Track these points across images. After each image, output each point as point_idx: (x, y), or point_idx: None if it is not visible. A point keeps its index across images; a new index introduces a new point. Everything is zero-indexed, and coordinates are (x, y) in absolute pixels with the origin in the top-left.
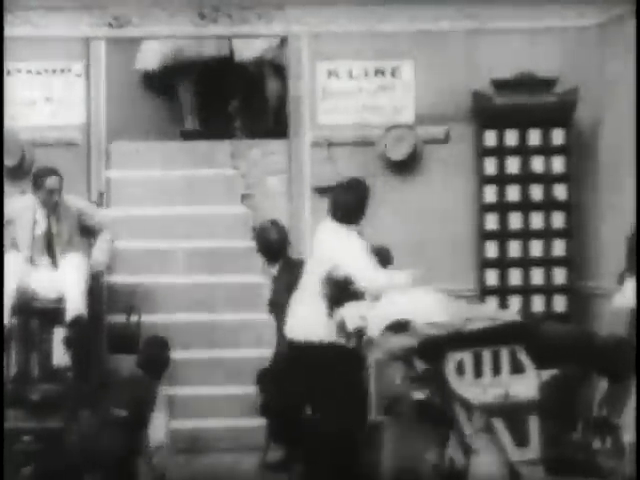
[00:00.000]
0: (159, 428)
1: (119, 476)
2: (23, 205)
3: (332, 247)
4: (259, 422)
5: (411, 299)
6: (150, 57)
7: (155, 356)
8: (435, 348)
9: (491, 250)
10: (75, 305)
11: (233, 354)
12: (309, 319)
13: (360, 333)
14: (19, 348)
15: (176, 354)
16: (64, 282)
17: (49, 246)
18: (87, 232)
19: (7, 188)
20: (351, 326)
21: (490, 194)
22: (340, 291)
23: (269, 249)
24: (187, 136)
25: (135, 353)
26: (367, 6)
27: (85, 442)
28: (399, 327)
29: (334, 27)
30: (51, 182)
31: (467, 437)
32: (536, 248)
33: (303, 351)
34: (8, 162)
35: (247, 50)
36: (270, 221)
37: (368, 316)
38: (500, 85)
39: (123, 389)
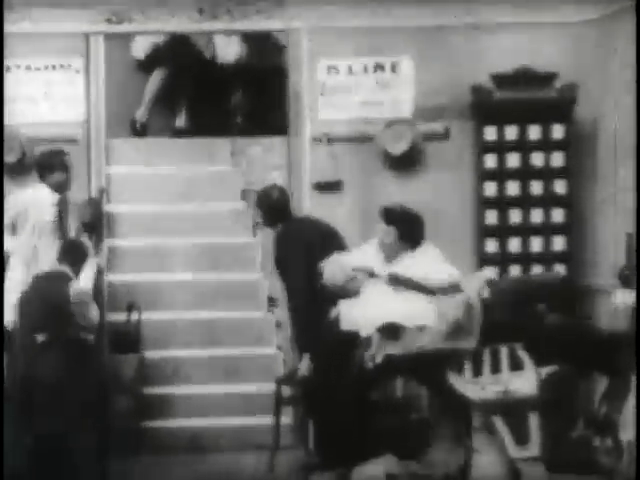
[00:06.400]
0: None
1: None
2: (39, 194)
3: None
4: (260, 421)
5: (402, 300)
6: (139, 46)
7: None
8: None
9: (491, 245)
10: None
11: (234, 352)
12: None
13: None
14: None
15: (177, 352)
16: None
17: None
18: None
19: (7, 185)
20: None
21: (490, 189)
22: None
23: (272, 210)
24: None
25: (136, 352)
26: (366, 2)
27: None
28: (391, 331)
29: (334, 23)
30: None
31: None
32: (536, 244)
33: None
34: (8, 159)
35: (228, 52)
36: (272, 184)
37: (359, 315)
38: (500, 80)
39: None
